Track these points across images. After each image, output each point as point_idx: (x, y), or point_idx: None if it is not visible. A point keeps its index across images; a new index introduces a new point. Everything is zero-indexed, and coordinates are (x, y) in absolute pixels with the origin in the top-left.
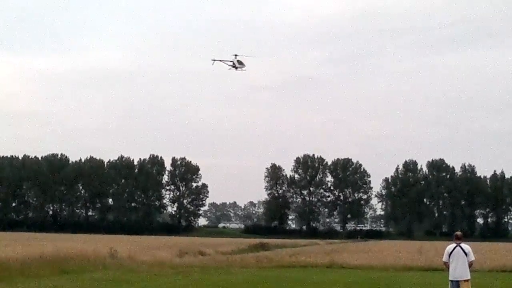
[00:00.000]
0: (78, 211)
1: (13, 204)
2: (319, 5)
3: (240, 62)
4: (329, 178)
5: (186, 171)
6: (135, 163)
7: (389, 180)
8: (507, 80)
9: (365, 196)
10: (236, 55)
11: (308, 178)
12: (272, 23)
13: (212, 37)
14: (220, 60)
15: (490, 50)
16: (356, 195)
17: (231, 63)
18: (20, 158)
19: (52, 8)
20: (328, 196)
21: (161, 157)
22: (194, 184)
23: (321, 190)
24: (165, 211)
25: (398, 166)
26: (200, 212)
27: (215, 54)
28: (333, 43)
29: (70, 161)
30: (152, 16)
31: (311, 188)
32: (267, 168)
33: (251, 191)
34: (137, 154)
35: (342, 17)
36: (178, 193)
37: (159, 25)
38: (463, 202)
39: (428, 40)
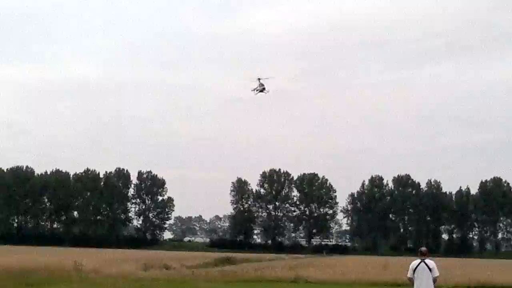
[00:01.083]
0: (43, 223)
1: None
2: (293, 19)
3: (261, 85)
4: (295, 193)
5: (152, 185)
6: (101, 176)
7: (355, 195)
8: (474, 96)
9: (330, 211)
10: (259, 79)
11: (273, 192)
12: (245, 36)
13: (183, 49)
14: (257, 88)
15: (459, 66)
16: (321, 210)
17: (259, 87)
18: None
19: (20, 18)
20: (294, 211)
21: (127, 170)
22: (160, 198)
23: (287, 205)
24: (130, 225)
25: (364, 181)
26: (166, 225)
27: (185, 67)
28: (306, 56)
29: (35, 174)
30: (119, 27)
31: (276, 203)
32: (233, 183)
33: (217, 205)
34: (103, 167)
35: (316, 30)
36: (143, 207)
37: (126, 37)
38: (428, 218)
39: (395, 56)
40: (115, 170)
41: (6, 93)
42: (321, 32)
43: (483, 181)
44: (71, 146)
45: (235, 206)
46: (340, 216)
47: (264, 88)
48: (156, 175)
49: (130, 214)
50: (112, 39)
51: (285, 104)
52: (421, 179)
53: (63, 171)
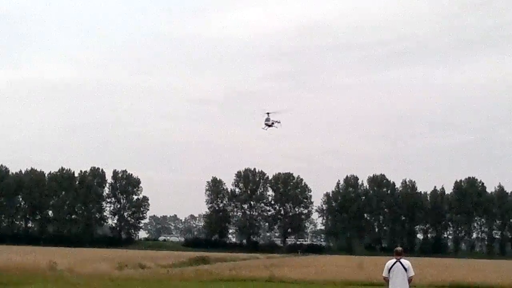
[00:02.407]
0: (17, 223)
1: None
2: (264, 22)
3: (268, 119)
4: (270, 192)
5: (127, 184)
6: (76, 175)
7: (330, 195)
8: (448, 97)
9: (305, 211)
10: (268, 113)
11: (249, 192)
12: (217, 38)
13: (155, 51)
14: (268, 122)
15: (432, 67)
16: (296, 209)
17: (268, 122)
18: None
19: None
20: (269, 210)
21: (102, 170)
22: (135, 197)
23: (262, 204)
24: (105, 224)
25: (339, 181)
26: (141, 225)
27: (159, 69)
28: (277, 59)
29: (10, 173)
30: (92, 28)
31: (251, 202)
32: (208, 182)
33: (192, 205)
34: (78, 166)
35: (287, 33)
36: (118, 206)
37: (99, 38)
38: (403, 218)
39: (371, 57)
40: (90, 169)
41: None
42: (291, 35)
43: (458, 181)
44: (46, 146)
45: (210, 205)
46: (315, 215)
47: (272, 123)
48: (131, 174)
49: (105, 213)
50: (83, 40)
51: (256, 105)
52: (396, 179)
53: (38, 170)
